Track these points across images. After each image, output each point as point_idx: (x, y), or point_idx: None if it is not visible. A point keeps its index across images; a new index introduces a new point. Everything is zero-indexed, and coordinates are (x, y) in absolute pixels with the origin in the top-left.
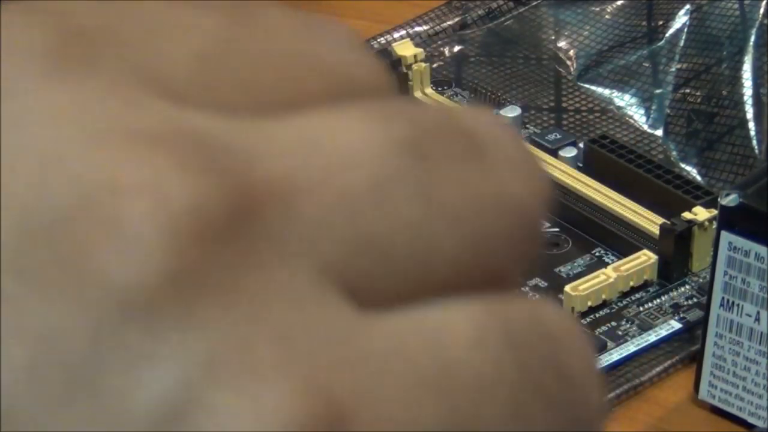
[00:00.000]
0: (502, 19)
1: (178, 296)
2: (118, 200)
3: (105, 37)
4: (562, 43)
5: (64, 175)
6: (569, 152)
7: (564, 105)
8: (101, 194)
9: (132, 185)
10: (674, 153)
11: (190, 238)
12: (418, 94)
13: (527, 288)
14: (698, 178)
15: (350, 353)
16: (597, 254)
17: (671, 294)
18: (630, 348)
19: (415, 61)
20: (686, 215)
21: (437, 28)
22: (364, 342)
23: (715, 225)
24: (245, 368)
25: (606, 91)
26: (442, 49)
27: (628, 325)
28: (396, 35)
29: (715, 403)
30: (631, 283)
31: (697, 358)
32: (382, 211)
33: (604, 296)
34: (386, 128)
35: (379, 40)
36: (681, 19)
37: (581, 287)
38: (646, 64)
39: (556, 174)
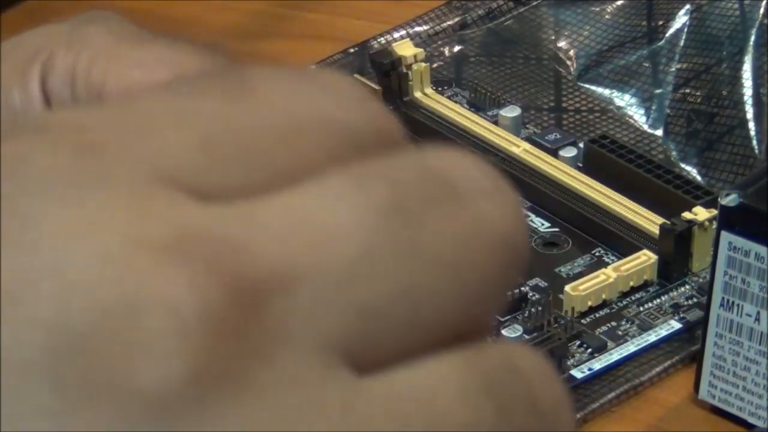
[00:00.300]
0: (502, 19)
1: (196, 396)
2: (134, 316)
3: (112, 143)
4: (562, 43)
5: (83, 295)
6: (569, 152)
7: (564, 105)
8: (118, 311)
9: (145, 299)
10: (674, 153)
11: (202, 341)
12: (418, 94)
13: (527, 288)
14: (698, 178)
15: (351, 422)
16: (597, 254)
17: (671, 294)
18: (630, 348)
19: (415, 61)
20: (686, 215)
21: (437, 28)
22: (363, 409)
23: (715, 225)
24: None
25: (606, 91)
26: (442, 49)
27: (628, 325)
28: (396, 35)
29: (715, 403)
30: (631, 283)
31: (697, 358)
32: (374, 276)
33: (604, 296)
34: (366, 194)
35: (379, 40)
36: (681, 19)
37: (581, 287)
38: (646, 64)
39: (556, 174)
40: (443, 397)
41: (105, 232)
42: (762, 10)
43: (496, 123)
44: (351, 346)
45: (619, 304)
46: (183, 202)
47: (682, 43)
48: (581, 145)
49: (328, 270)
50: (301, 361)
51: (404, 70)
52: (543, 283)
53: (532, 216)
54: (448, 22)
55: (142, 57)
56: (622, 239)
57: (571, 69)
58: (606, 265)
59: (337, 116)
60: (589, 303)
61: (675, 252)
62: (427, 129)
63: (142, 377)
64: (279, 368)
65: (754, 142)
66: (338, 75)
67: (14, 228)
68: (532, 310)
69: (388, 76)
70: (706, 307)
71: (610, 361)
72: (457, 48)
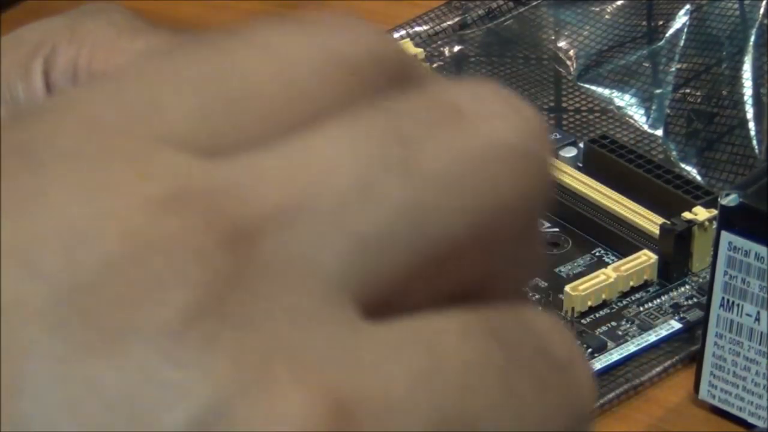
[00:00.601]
0: (502, 19)
1: (200, 331)
2: (136, 263)
3: (112, 114)
4: (562, 43)
5: (87, 247)
6: (569, 152)
7: (564, 105)
8: (121, 259)
9: (146, 248)
10: (674, 153)
11: (200, 280)
12: None
13: (527, 288)
14: (698, 178)
15: (354, 361)
16: (597, 254)
17: (671, 294)
18: (630, 348)
19: None
20: (686, 215)
21: (437, 28)
22: (367, 350)
23: (715, 225)
24: (262, 386)
25: (606, 91)
26: (442, 49)
27: (628, 325)
28: (396, 35)
29: (715, 403)
30: (631, 283)
31: (697, 358)
32: (369, 202)
33: (604, 296)
34: (364, 127)
35: None
36: (681, 19)
37: (581, 287)
38: (646, 64)
39: (556, 174)
40: (446, 337)
41: (108, 191)
42: (762, 10)
43: None
44: (355, 282)
45: (619, 304)
46: (182, 161)
47: (682, 43)
48: (581, 145)
49: (321, 205)
50: (297, 295)
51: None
52: (543, 284)
53: None
54: (448, 22)
55: (143, 48)
56: (622, 239)
57: (571, 69)
58: (606, 265)
59: (340, 56)
60: (589, 303)
61: (675, 252)
62: None
63: (145, 318)
64: (274, 301)
65: (754, 142)
66: (342, 16)
67: (21, 191)
68: None
69: None
70: (706, 307)
71: (610, 361)
72: (457, 48)
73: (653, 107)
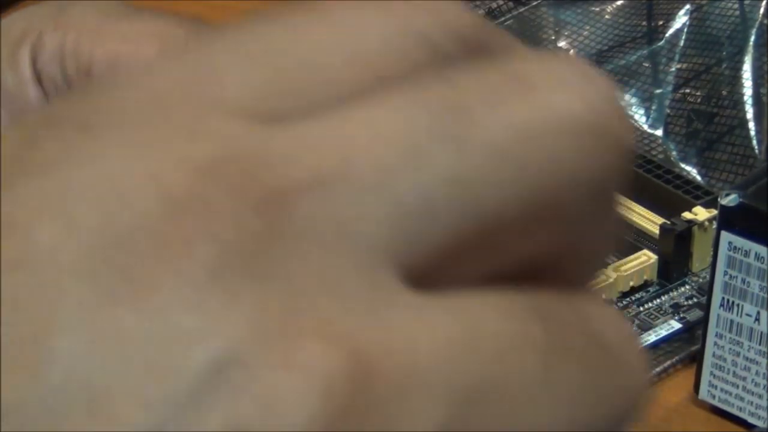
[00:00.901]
0: (502, 19)
1: (224, 284)
2: (170, 219)
3: (174, 85)
4: (562, 43)
5: (123, 203)
6: None
7: None
8: (156, 214)
9: (183, 205)
10: (674, 153)
11: (231, 241)
12: None
13: None
14: (698, 178)
15: (381, 321)
16: None
17: (671, 294)
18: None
19: None
20: (686, 215)
21: None
22: (397, 313)
23: (715, 225)
24: (282, 336)
25: None
26: None
27: None
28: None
29: (715, 403)
30: (631, 283)
31: (697, 358)
32: (416, 171)
33: (604, 296)
34: (421, 99)
35: None
36: (681, 19)
37: None
38: (646, 64)
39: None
40: (484, 311)
41: (153, 152)
42: (762, 10)
43: None
44: (394, 248)
45: (619, 304)
46: (233, 126)
47: (682, 43)
48: None
49: (364, 172)
50: (331, 256)
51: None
52: None
53: None
54: None
55: (129, 31)
56: (622, 239)
57: None
58: (606, 265)
59: (408, 29)
60: None
61: (675, 252)
62: None
63: (171, 270)
64: (305, 261)
65: (754, 142)
66: None
67: (71, 151)
68: None
69: None
70: (706, 307)
71: None
72: None
73: (653, 107)
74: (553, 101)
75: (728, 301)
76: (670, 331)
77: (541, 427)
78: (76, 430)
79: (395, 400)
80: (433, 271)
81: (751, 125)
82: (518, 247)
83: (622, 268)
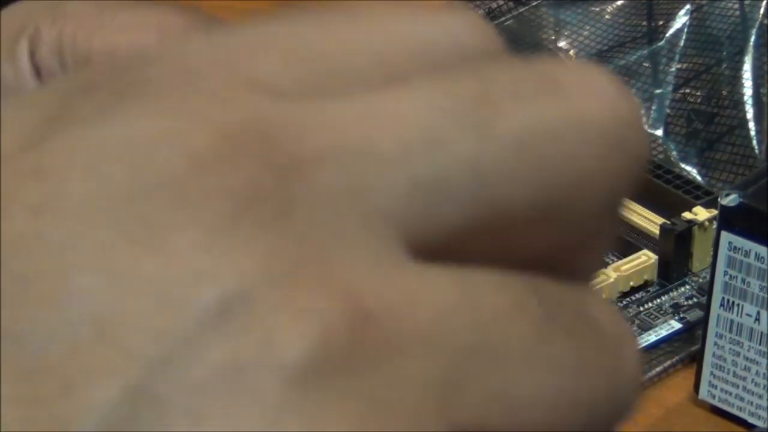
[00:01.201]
0: (502, 19)
1: (237, 232)
2: (189, 178)
3: (206, 62)
4: (562, 43)
5: (149, 159)
6: None
7: None
8: (176, 176)
9: (203, 164)
10: (674, 153)
11: (246, 196)
12: None
13: None
14: (698, 178)
15: (385, 281)
16: None
17: (671, 294)
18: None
19: None
20: (686, 215)
21: None
22: (400, 277)
23: (715, 225)
24: (288, 282)
25: None
26: None
27: None
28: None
29: (715, 403)
30: (631, 283)
31: (697, 358)
32: (435, 153)
33: (604, 296)
34: (446, 86)
35: None
36: (681, 19)
37: None
38: (646, 64)
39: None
40: (482, 280)
41: (179, 115)
42: (762, 10)
43: None
44: (405, 222)
45: (619, 304)
46: (258, 98)
47: (682, 43)
48: None
49: (384, 149)
50: (342, 221)
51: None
52: None
53: None
54: None
55: (126, 21)
56: (622, 239)
57: None
58: (606, 265)
59: (434, 31)
60: None
61: (675, 252)
62: None
63: (187, 218)
64: (317, 221)
65: (754, 142)
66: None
67: (105, 113)
68: None
69: None
70: (706, 307)
71: None
72: None
73: (653, 107)
74: (582, 105)
75: (728, 301)
76: (670, 331)
77: (530, 394)
78: (85, 357)
79: (391, 352)
80: (440, 251)
81: (751, 125)
82: (524, 240)
83: (622, 268)
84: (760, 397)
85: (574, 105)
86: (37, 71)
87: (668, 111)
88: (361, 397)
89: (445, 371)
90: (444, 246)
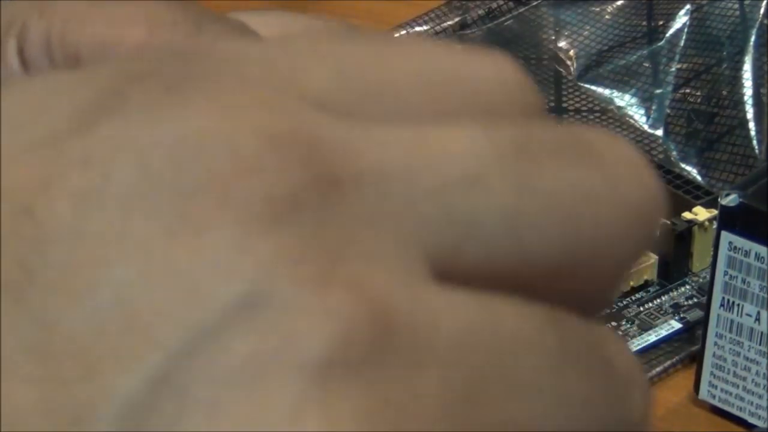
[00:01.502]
0: (502, 19)
1: (270, 232)
2: (233, 179)
3: (259, 69)
4: (562, 43)
5: (194, 156)
6: None
7: (564, 105)
8: (219, 175)
9: (247, 168)
10: (674, 153)
11: (284, 201)
12: None
13: None
14: (698, 178)
15: (410, 296)
16: None
17: (671, 294)
18: (630, 348)
19: None
20: (686, 215)
21: (437, 28)
22: (424, 294)
23: (715, 225)
24: (315, 283)
25: (606, 91)
26: None
27: (628, 325)
28: (396, 35)
29: (715, 403)
30: (631, 283)
31: (697, 358)
32: (473, 193)
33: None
34: (491, 132)
35: None
36: (681, 19)
37: None
38: (646, 64)
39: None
40: (506, 312)
41: (228, 116)
42: (762, 10)
43: None
44: (434, 251)
45: (619, 304)
46: (307, 109)
47: (682, 43)
48: None
49: (424, 180)
50: (372, 237)
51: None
52: None
53: None
54: (448, 22)
55: (115, 16)
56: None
57: (571, 69)
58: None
59: (482, 78)
60: None
61: (675, 252)
62: None
63: (224, 216)
64: (348, 234)
65: (754, 142)
66: (486, 50)
67: (157, 106)
68: None
69: None
70: (706, 307)
71: None
72: None
73: (653, 107)
74: (615, 174)
75: (728, 301)
76: (670, 331)
77: (538, 424)
78: (110, 344)
79: (409, 364)
80: (465, 278)
81: (751, 125)
82: (540, 288)
83: None
84: (760, 397)
85: (608, 173)
86: (26, 69)
87: (668, 111)
88: (378, 398)
89: (459, 391)
90: (466, 277)
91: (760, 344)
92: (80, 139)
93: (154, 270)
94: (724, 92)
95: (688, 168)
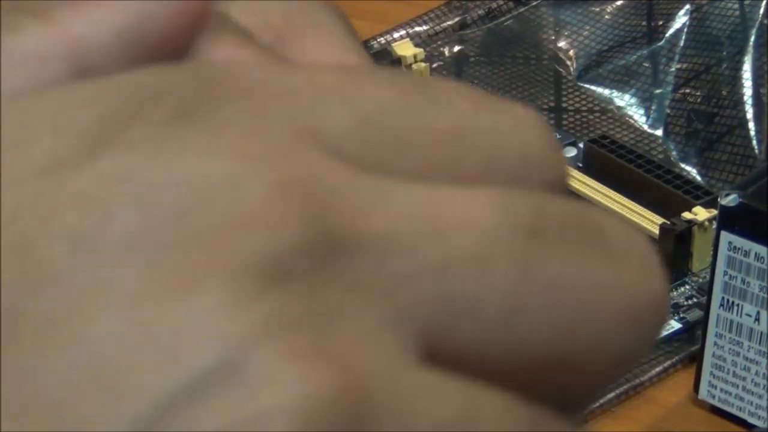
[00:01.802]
0: (502, 19)
1: (256, 299)
2: (227, 232)
3: (276, 101)
4: (562, 43)
5: (196, 204)
6: (569, 152)
7: (564, 105)
8: (214, 227)
9: (247, 219)
10: (674, 153)
11: (276, 263)
12: None
13: None
14: (698, 178)
15: (387, 380)
16: None
17: (671, 294)
18: None
19: (415, 61)
20: (686, 215)
21: (437, 28)
22: (406, 378)
23: (715, 225)
24: (292, 355)
25: (606, 91)
26: (442, 49)
27: None
28: (396, 35)
29: (715, 403)
30: None
31: (697, 358)
32: (475, 277)
33: None
34: (504, 208)
35: (379, 40)
36: (681, 19)
37: None
38: (646, 64)
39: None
40: (488, 400)
41: (233, 160)
42: (762, 10)
43: None
44: (430, 329)
45: None
46: (320, 159)
47: (682, 43)
48: (581, 145)
49: (427, 255)
50: (360, 312)
51: (404, 70)
52: None
53: None
54: (448, 22)
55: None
56: None
57: (571, 69)
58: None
59: (507, 142)
60: None
61: (675, 252)
62: None
63: (212, 278)
64: (334, 307)
65: (754, 142)
66: (523, 107)
67: (160, 143)
68: None
69: None
70: (706, 307)
71: None
72: (457, 48)
73: (653, 107)
74: (622, 271)
75: (728, 301)
76: (670, 331)
77: None
78: (79, 405)
79: None
80: (452, 360)
81: (751, 125)
82: (526, 379)
83: None
84: (760, 397)
85: (617, 268)
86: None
87: (668, 111)
88: None
89: None
90: (456, 359)
91: (759, 344)
92: (82, 171)
93: (135, 329)
94: (724, 92)
95: (688, 168)
